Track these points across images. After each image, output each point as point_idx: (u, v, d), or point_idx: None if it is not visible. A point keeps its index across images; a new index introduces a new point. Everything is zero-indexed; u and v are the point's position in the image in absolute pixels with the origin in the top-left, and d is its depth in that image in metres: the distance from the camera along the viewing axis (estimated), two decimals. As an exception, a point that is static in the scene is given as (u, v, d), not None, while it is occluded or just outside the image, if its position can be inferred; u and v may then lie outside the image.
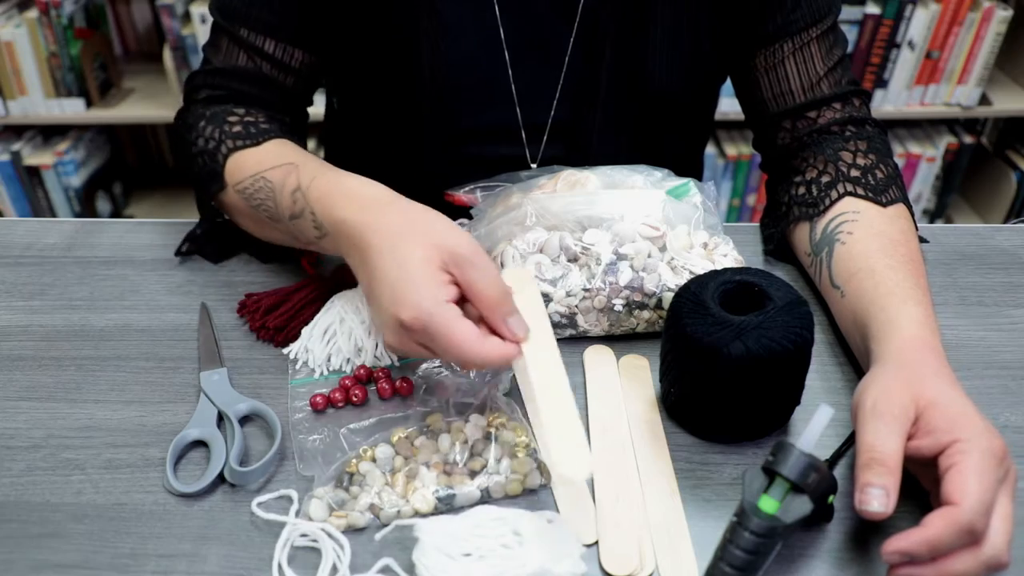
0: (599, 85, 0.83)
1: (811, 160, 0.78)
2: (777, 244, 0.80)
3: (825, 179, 0.76)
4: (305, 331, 0.69)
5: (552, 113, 0.85)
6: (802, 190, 0.77)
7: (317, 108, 0.91)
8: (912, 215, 0.75)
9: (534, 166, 0.87)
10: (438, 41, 0.80)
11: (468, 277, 0.57)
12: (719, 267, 0.68)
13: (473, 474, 0.58)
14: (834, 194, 0.75)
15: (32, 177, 2.03)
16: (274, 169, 0.70)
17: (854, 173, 0.75)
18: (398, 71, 0.82)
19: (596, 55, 0.81)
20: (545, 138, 0.87)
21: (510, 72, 0.82)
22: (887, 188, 0.74)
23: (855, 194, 0.74)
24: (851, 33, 1.87)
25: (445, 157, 0.87)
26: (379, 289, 0.58)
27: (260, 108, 0.80)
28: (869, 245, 0.70)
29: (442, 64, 0.81)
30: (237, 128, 0.76)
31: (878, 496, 0.49)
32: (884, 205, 0.73)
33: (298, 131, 0.85)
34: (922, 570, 0.48)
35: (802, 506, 0.50)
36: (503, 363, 0.56)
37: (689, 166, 0.99)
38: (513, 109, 0.84)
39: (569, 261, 0.69)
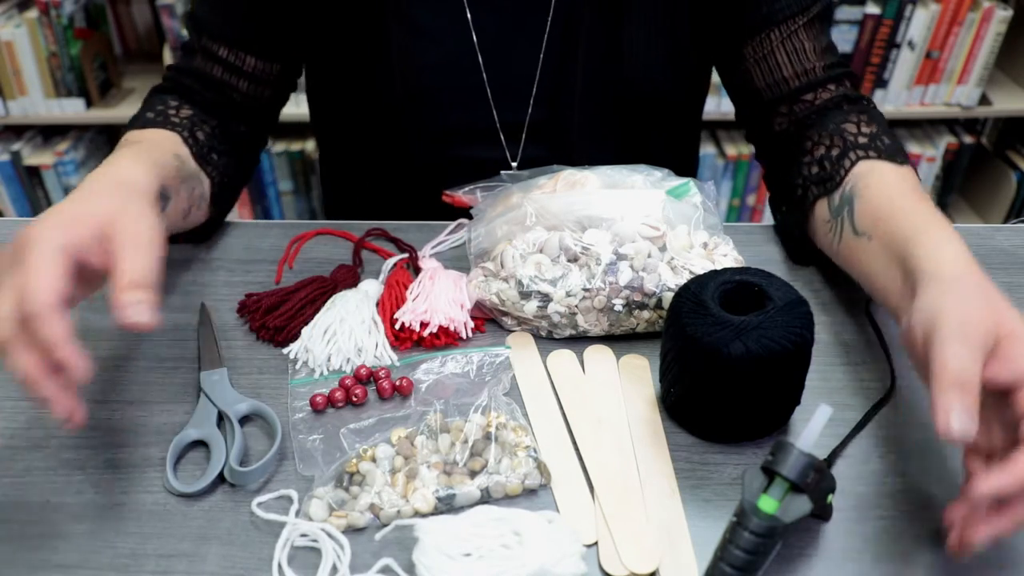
0: (576, 83, 0.82)
1: (816, 138, 0.78)
2: (801, 229, 0.78)
3: (835, 152, 0.75)
4: (305, 331, 0.69)
5: (529, 112, 0.85)
6: (815, 169, 0.77)
7: (301, 108, 0.92)
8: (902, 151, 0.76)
9: (514, 165, 0.87)
10: (408, 44, 0.80)
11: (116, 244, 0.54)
12: (719, 267, 0.68)
13: (473, 474, 0.58)
14: (847, 163, 0.74)
15: (32, 177, 2.03)
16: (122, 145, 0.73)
17: (862, 140, 0.75)
18: (370, 75, 0.82)
19: (571, 52, 0.81)
20: (524, 138, 0.86)
21: (484, 73, 0.82)
22: (897, 152, 0.74)
23: (868, 157, 0.73)
24: (851, 33, 1.87)
25: (428, 158, 0.87)
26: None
27: (200, 107, 0.81)
28: (890, 191, 0.69)
29: (413, 67, 0.81)
30: (150, 115, 0.78)
31: (962, 417, 0.47)
32: (899, 164, 0.73)
33: (249, 141, 0.86)
34: (999, 521, 0.47)
35: (802, 506, 0.50)
36: (48, 325, 0.51)
37: (682, 166, 0.99)
38: (489, 109, 0.84)
39: (569, 261, 0.69)
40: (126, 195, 0.59)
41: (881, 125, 0.77)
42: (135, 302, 0.51)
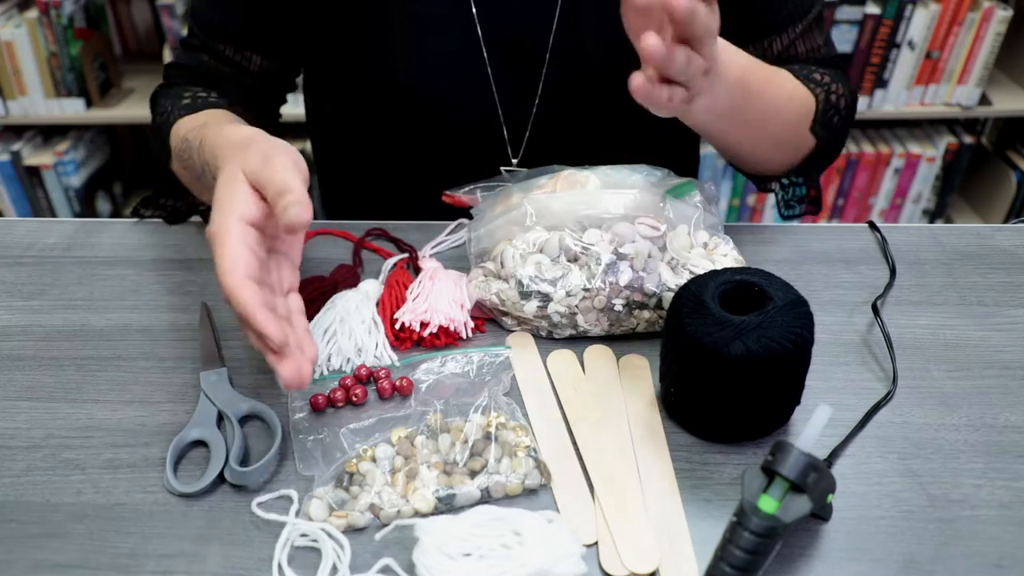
0: (581, 81, 0.82)
1: None
2: None
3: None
4: (305, 331, 0.69)
5: (534, 111, 0.85)
6: None
7: (298, 108, 0.92)
8: (830, 138, 0.81)
9: (515, 162, 0.87)
10: (412, 41, 0.80)
11: (259, 176, 0.56)
12: (719, 267, 0.68)
13: (473, 474, 0.58)
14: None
15: (32, 177, 2.03)
16: (193, 130, 0.72)
17: (814, 75, 0.81)
18: (372, 73, 0.82)
19: (577, 51, 0.81)
20: (527, 136, 0.86)
21: (489, 70, 0.82)
22: (817, 84, 0.80)
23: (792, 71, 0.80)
24: (851, 33, 1.87)
25: (430, 155, 0.87)
26: None
27: (219, 95, 0.83)
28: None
29: (417, 64, 0.81)
30: (187, 101, 0.79)
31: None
32: (810, 87, 0.79)
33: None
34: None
35: (802, 506, 0.50)
36: (234, 299, 0.54)
37: (682, 165, 0.99)
38: (494, 107, 0.84)
39: (569, 261, 0.69)
40: (249, 146, 0.59)
41: (841, 84, 0.82)
42: (284, 206, 0.53)
